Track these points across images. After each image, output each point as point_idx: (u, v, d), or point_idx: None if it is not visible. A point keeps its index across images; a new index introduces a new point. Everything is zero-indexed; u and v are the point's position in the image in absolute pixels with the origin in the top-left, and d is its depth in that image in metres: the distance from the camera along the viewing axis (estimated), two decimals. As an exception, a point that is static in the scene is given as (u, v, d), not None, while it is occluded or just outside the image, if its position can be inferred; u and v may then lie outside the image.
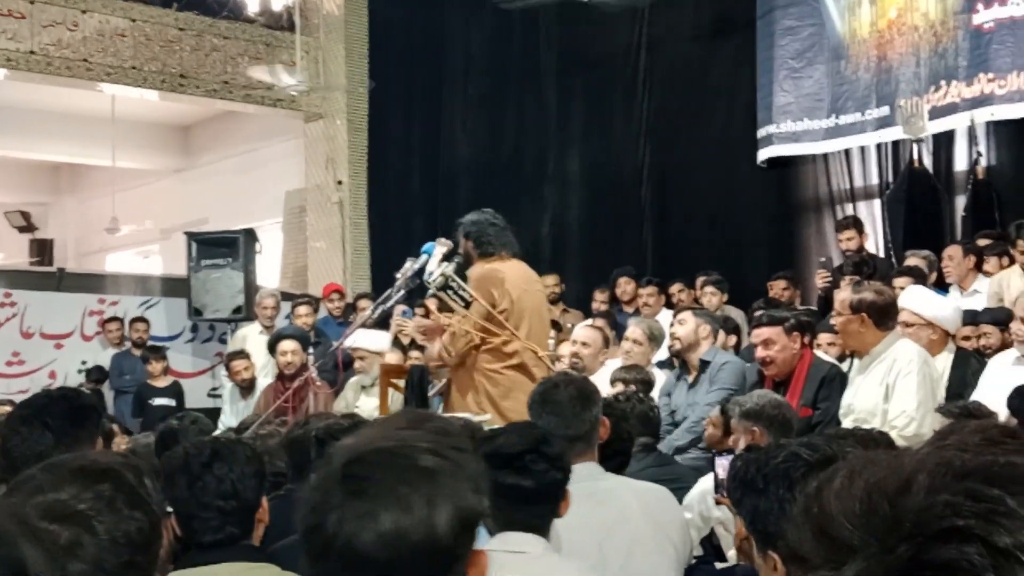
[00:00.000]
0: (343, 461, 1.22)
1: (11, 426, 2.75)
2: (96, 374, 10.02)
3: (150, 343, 10.06)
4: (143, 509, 1.30)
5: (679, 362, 5.96)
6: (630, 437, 3.59)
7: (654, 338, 6.19)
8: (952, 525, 0.73)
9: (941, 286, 7.12)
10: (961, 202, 8.43)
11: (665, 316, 7.47)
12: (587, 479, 2.98)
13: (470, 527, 1.22)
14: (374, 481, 1.19)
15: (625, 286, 9.05)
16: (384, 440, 1.24)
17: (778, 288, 8.15)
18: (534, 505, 2.45)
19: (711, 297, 8.18)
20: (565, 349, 6.60)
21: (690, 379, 5.77)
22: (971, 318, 5.91)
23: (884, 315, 4.50)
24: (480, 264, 5.10)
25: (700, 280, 8.47)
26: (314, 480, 1.25)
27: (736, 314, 8.04)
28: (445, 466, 1.22)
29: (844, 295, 4.66)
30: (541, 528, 2.47)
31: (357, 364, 7.21)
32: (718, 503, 3.28)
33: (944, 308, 5.61)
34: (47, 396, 2.96)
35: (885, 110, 8.68)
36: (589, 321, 7.43)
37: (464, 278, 4.97)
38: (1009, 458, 0.78)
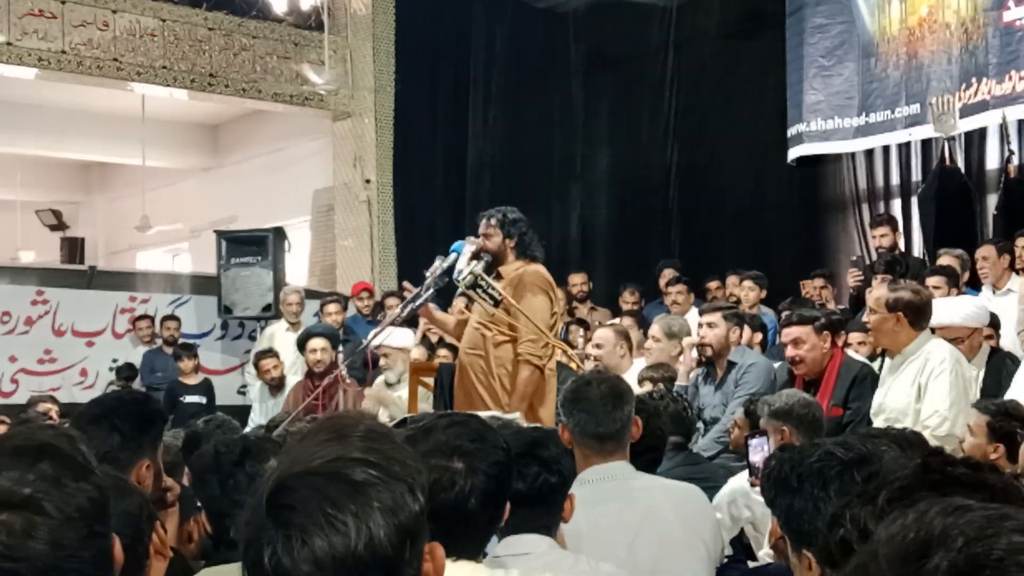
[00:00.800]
0: (267, 492, 1.19)
1: (80, 425, 2.77)
2: (127, 371, 10.09)
3: (181, 341, 10.12)
4: (88, 478, 1.28)
5: (706, 360, 5.94)
6: (662, 435, 3.57)
7: (673, 335, 6.17)
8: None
9: (974, 285, 7.06)
10: (993, 200, 8.33)
11: (694, 315, 7.44)
12: (618, 478, 2.97)
13: (411, 531, 1.18)
14: (299, 508, 1.15)
15: (669, 277, 8.95)
16: (307, 460, 1.20)
17: (812, 287, 8.10)
18: (529, 508, 2.37)
19: (749, 292, 8.13)
20: (592, 349, 6.61)
21: (716, 380, 5.75)
22: (994, 320, 5.83)
23: (919, 315, 4.46)
24: (520, 264, 5.10)
25: (737, 277, 8.42)
26: (244, 514, 1.21)
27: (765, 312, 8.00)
28: (375, 475, 1.18)
29: (879, 293, 4.61)
30: (544, 529, 2.42)
31: (382, 362, 7.22)
32: (752, 485, 3.25)
33: (974, 305, 5.57)
34: (118, 398, 3.00)
35: (915, 108, 8.61)
36: (611, 321, 7.41)
37: (491, 275, 4.98)
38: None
